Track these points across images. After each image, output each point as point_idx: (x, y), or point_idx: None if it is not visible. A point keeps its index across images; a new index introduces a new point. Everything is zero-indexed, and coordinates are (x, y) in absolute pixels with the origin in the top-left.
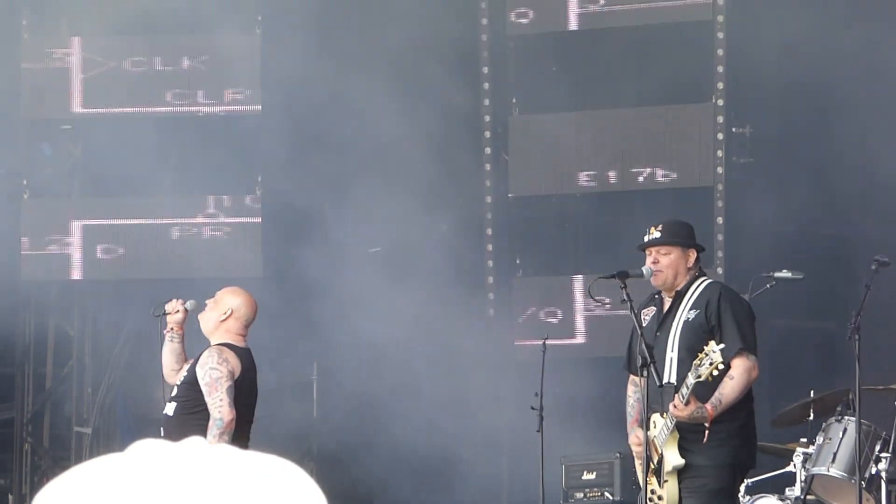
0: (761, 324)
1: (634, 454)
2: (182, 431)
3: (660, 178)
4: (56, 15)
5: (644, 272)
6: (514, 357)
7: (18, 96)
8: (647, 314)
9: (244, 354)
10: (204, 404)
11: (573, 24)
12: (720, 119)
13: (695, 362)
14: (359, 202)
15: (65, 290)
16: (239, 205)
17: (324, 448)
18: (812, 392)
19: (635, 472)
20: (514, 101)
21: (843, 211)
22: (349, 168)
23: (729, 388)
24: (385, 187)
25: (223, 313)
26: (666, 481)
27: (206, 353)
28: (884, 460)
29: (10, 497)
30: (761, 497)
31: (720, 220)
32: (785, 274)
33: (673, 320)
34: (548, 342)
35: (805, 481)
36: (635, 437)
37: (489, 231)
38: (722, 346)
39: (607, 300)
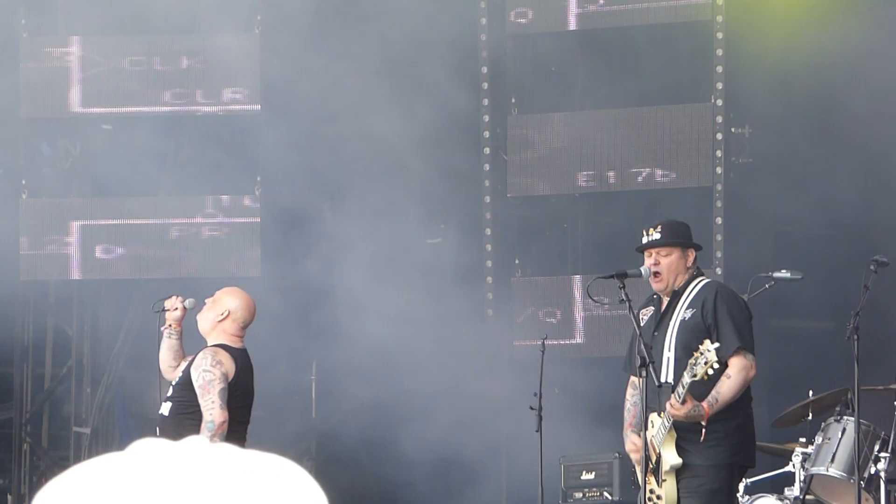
0: (760, 324)
1: (633, 461)
2: (177, 431)
3: (659, 179)
4: (54, 14)
5: (642, 272)
6: (513, 357)
7: (17, 96)
8: (646, 314)
9: (239, 356)
10: (198, 405)
11: (572, 25)
12: (719, 119)
13: (690, 361)
14: (358, 202)
15: (64, 290)
16: (238, 205)
17: (322, 448)
18: (811, 392)
19: (634, 472)
20: (513, 101)
21: (843, 211)
22: (348, 168)
23: (726, 387)
24: (384, 187)
25: (220, 314)
26: (664, 481)
27: (200, 355)
28: (883, 460)
29: (9, 497)
30: (760, 497)
31: (719, 220)
32: (784, 274)
33: (670, 320)
34: (546, 342)
35: (804, 481)
36: (631, 443)
37: (488, 231)
38: (717, 345)
39: (606, 300)
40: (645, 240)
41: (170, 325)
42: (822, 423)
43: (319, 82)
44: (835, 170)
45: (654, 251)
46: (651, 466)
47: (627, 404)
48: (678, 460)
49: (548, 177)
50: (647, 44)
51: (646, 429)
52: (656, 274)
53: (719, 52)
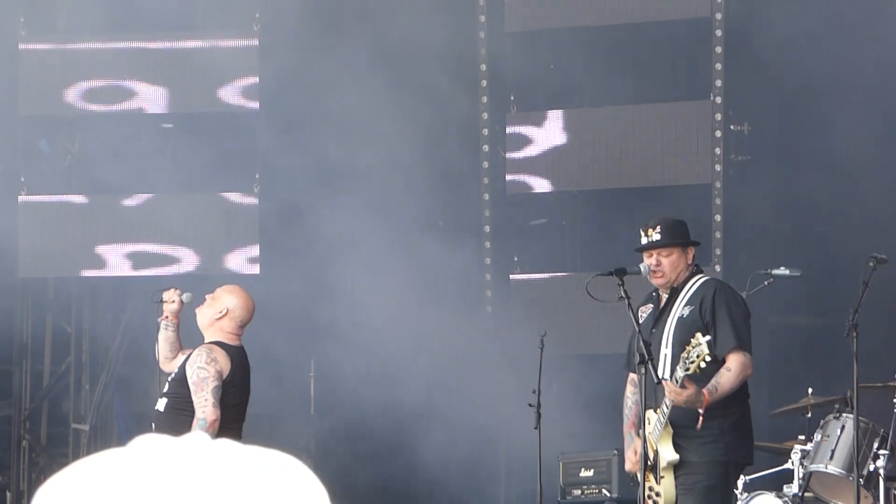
0: (759, 321)
1: (627, 469)
2: (172, 427)
3: (658, 176)
4: (53, 12)
5: (641, 269)
6: (512, 355)
7: (15, 93)
8: (644, 311)
9: (236, 353)
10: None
11: (571, 22)
12: (718, 116)
13: (682, 355)
14: (356, 200)
15: (62, 288)
16: (236, 202)
17: (321, 446)
18: (810, 390)
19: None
20: (511, 98)
21: (841, 208)
22: (347, 165)
23: (725, 378)
24: (383, 185)
25: (219, 311)
26: (662, 477)
27: (196, 352)
28: (882, 457)
29: (8, 494)
30: (759, 494)
31: (718, 217)
32: (782, 271)
33: (668, 317)
34: (545, 339)
35: (803, 478)
36: (632, 452)
37: (487, 228)
38: (708, 337)
39: (604, 297)
40: (644, 240)
41: (167, 317)
42: (821, 421)
43: (318, 80)
44: (833, 167)
45: (654, 252)
46: (649, 463)
47: (628, 402)
48: (675, 456)
49: (547, 174)
50: (647, 41)
51: (643, 426)
52: (657, 273)
53: (718, 49)
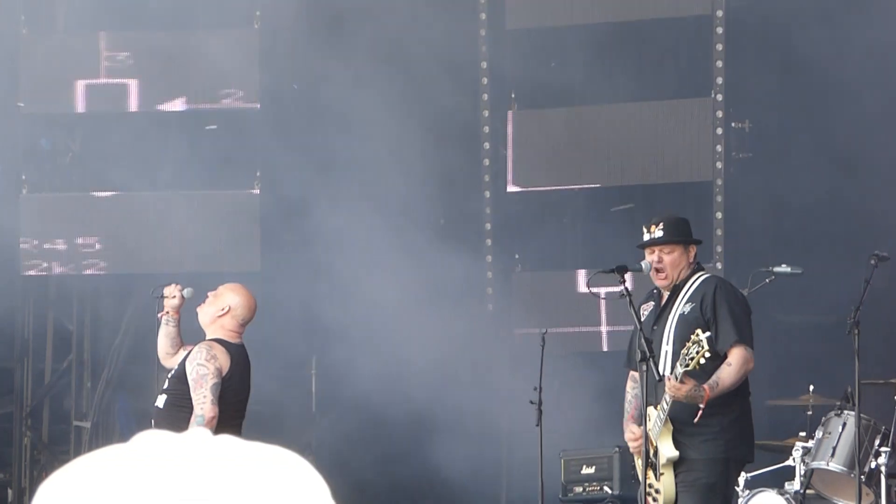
0: (761, 318)
1: (631, 450)
2: (171, 424)
3: (659, 173)
4: (54, 10)
5: (643, 266)
6: (513, 351)
7: (16, 91)
8: (646, 309)
9: (236, 351)
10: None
11: (572, 19)
12: (719, 114)
13: (682, 351)
14: (357, 197)
15: (63, 285)
16: (238, 200)
17: (322, 442)
18: (811, 387)
19: (634, 466)
20: (512, 95)
21: (843, 206)
22: (348, 163)
23: (726, 373)
24: (384, 183)
25: (221, 309)
26: (662, 474)
27: (196, 349)
28: (883, 454)
29: (10, 491)
30: (760, 491)
31: (719, 215)
32: (784, 268)
33: (669, 314)
34: (546, 337)
35: (804, 475)
36: (630, 432)
37: (488, 226)
38: (708, 333)
39: (605, 294)
40: (647, 237)
41: (167, 313)
42: (823, 418)
43: (318, 77)
44: (834, 165)
45: (656, 249)
46: (650, 460)
47: (628, 396)
48: (675, 453)
49: (547, 171)
50: (647, 38)
51: (644, 423)
52: (659, 271)
53: (719, 46)
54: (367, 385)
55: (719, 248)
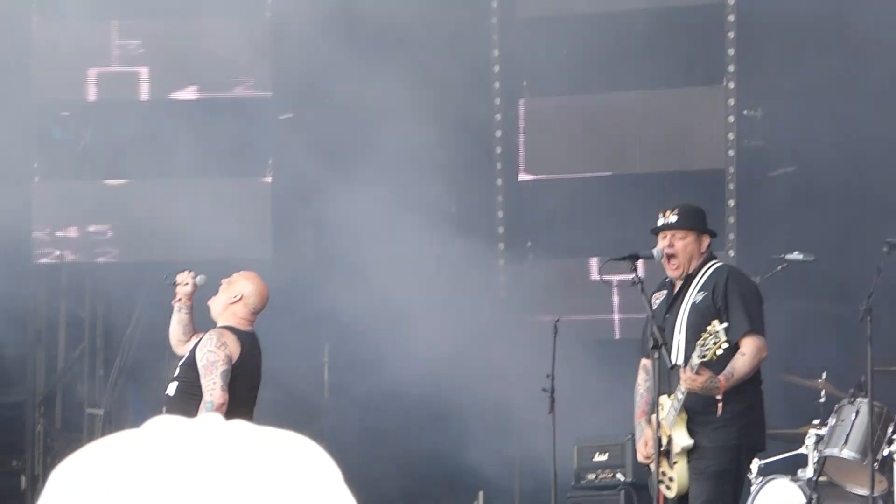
0: (774, 306)
1: (640, 460)
2: (182, 411)
3: (671, 161)
4: None
5: (655, 254)
6: (526, 339)
7: (29, 79)
8: (658, 298)
9: (246, 339)
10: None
11: (584, 7)
12: (731, 102)
13: (698, 342)
14: (369, 185)
15: (76, 273)
16: (250, 187)
17: (335, 430)
18: (825, 374)
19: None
20: (524, 84)
21: (855, 193)
22: (360, 151)
23: (741, 363)
24: (396, 170)
25: (233, 296)
26: (675, 462)
27: (206, 336)
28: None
29: (23, 478)
30: (773, 478)
31: (731, 202)
32: (796, 256)
33: (682, 303)
34: (559, 324)
35: (817, 463)
36: (643, 443)
37: (500, 214)
38: (725, 324)
39: (617, 281)
40: (661, 222)
41: (180, 300)
42: (836, 405)
43: (330, 66)
44: (847, 151)
45: (669, 233)
46: (663, 448)
47: (640, 389)
48: (689, 441)
49: (559, 160)
50: (660, 26)
51: (656, 411)
52: (671, 258)
53: (731, 34)
54: (380, 373)
55: (732, 236)
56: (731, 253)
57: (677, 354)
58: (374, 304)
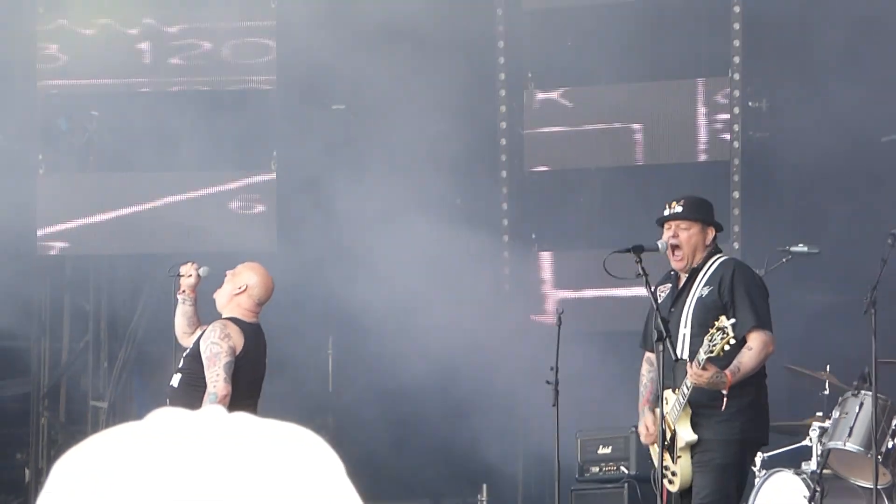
0: (778, 298)
1: (643, 443)
2: (186, 402)
3: (676, 153)
4: None
5: (659, 246)
6: (530, 332)
7: (34, 71)
8: (663, 291)
9: (251, 330)
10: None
11: None
12: (736, 93)
13: (706, 337)
14: (374, 176)
15: (80, 266)
16: (254, 180)
17: (339, 423)
18: (828, 367)
19: (649, 449)
20: (529, 75)
21: (860, 185)
22: (363, 142)
23: (747, 358)
24: (400, 162)
25: (238, 287)
26: (679, 457)
27: (210, 328)
28: None
29: (27, 471)
30: (777, 471)
31: (736, 194)
32: (801, 248)
33: (687, 297)
34: (563, 316)
35: (821, 456)
36: (644, 427)
37: (505, 206)
38: (733, 320)
39: (622, 274)
40: (667, 212)
41: (184, 291)
42: (840, 398)
43: (335, 58)
44: (852, 143)
45: (673, 224)
46: (666, 443)
47: (644, 380)
48: (694, 437)
49: (564, 151)
50: (665, 17)
51: (661, 404)
52: (675, 250)
53: (736, 25)
54: (384, 366)
55: (736, 228)
56: (736, 245)
57: (682, 348)
58: (378, 296)
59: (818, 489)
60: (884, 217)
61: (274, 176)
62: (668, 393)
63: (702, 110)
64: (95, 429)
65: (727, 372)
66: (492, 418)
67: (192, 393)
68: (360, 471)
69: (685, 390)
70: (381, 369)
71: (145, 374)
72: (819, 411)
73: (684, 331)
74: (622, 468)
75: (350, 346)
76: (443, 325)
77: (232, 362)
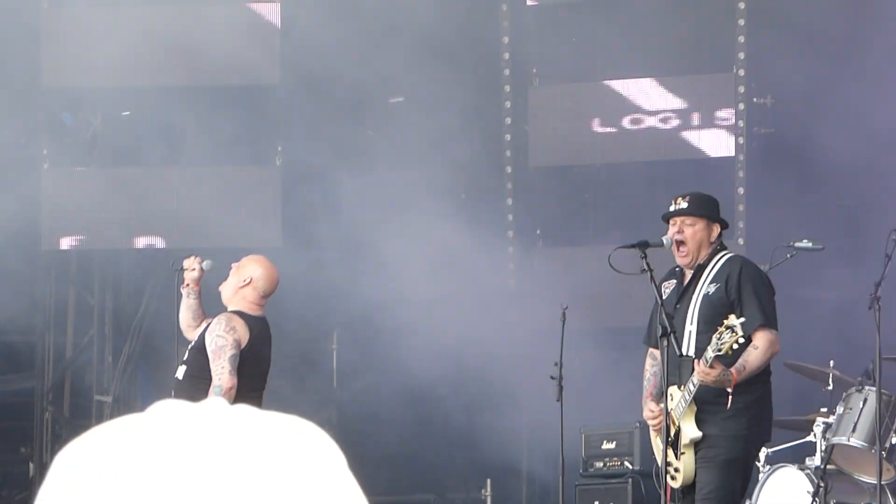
0: (782, 294)
1: (651, 427)
2: (190, 395)
3: (681, 149)
4: None
5: (664, 242)
6: (534, 327)
7: (38, 66)
8: (668, 287)
9: (256, 323)
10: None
11: None
12: (741, 89)
13: (714, 335)
14: (378, 171)
15: (85, 260)
16: (259, 174)
17: (343, 417)
18: (832, 362)
19: (651, 444)
20: (534, 71)
21: (864, 181)
22: (368, 137)
23: (753, 356)
24: (405, 157)
25: (243, 280)
26: (683, 453)
27: (215, 320)
28: None
29: (31, 465)
30: (781, 467)
31: (741, 190)
32: (805, 244)
33: (693, 294)
34: (567, 312)
35: (825, 451)
36: (649, 410)
37: (509, 201)
38: (742, 319)
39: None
40: (672, 208)
41: (188, 285)
42: (844, 393)
43: (340, 52)
44: (857, 139)
45: (679, 220)
46: (670, 439)
47: (647, 374)
48: (698, 433)
49: (568, 147)
50: (669, 13)
51: (665, 401)
52: (680, 246)
53: (741, 21)
54: (389, 360)
55: (741, 224)
56: (741, 241)
57: (688, 345)
58: (382, 291)
59: (822, 484)
60: (887, 213)
61: (279, 169)
62: (672, 389)
63: (707, 106)
64: (100, 423)
65: (733, 370)
66: (496, 413)
67: (196, 385)
68: (364, 465)
69: (691, 387)
70: (386, 364)
71: (150, 368)
72: (823, 407)
73: (690, 327)
74: (626, 463)
75: (354, 340)
76: (447, 320)
77: (237, 355)
